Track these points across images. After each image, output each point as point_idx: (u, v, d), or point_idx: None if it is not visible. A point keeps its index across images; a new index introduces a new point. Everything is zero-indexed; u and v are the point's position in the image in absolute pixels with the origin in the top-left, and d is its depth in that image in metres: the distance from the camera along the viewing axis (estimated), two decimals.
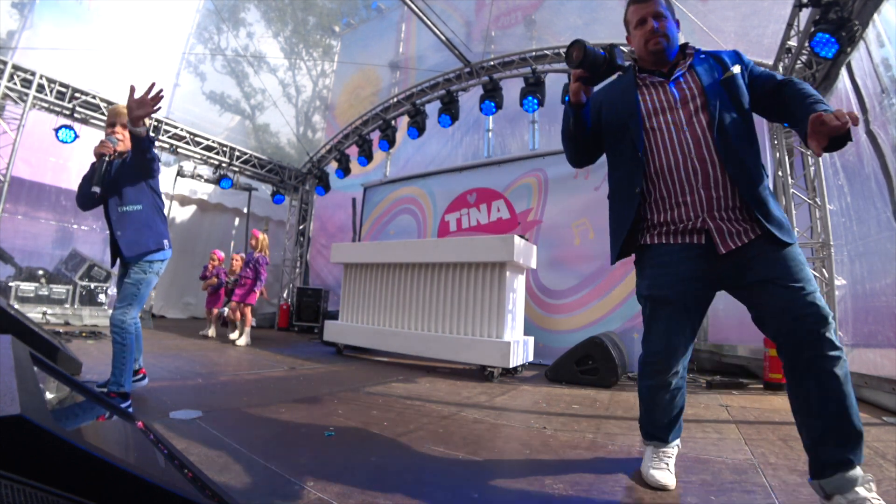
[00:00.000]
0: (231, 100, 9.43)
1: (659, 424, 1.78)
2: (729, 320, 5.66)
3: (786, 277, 1.45)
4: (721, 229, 1.50)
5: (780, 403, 3.64)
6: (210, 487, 0.93)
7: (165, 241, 2.59)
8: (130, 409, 2.27)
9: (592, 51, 1.53)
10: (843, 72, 3.99)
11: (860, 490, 1.34)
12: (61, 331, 5.33)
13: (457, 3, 7.61)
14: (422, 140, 7.71)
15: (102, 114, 6.73)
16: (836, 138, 1.25)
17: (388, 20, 10.27)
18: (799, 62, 4.30)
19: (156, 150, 2.49)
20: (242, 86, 9.44)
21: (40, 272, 6.83)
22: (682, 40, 1.72)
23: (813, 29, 3.71)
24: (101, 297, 7.22)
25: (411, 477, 1.68)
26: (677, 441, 1.84)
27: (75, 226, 7.71)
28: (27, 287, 6.44)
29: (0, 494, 0.47)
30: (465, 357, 4.38)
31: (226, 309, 6.70)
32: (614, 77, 1.74)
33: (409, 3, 5.81)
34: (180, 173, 8.22)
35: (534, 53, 6.38)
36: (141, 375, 2.85)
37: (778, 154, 4.78)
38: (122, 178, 2.48)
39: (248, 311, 6.01)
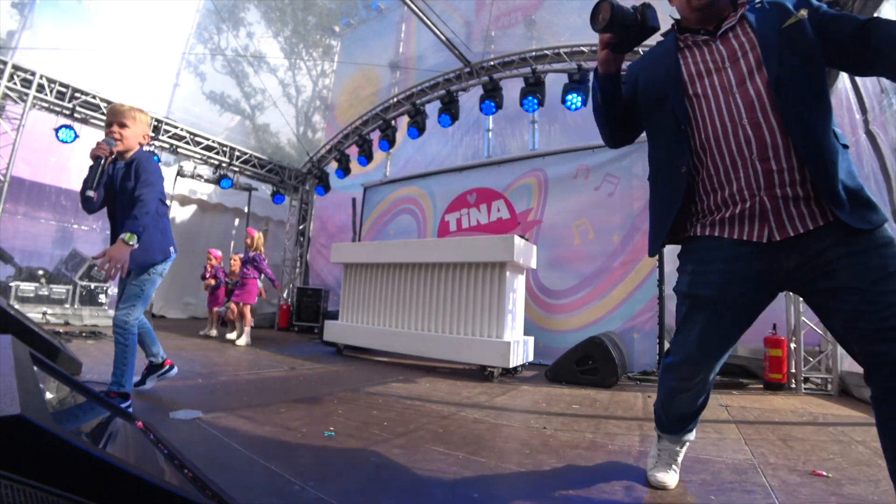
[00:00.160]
0: (231, 100, 9.44)
1: (675, 417, 1.65)
2: None
3: (872, 283, 1.12)
4: (778, 210, 1.23)
5: (779, 403, 3.64)
6: (210, 487, 0.93)
7: (171, 249, 2.57)
8: (130, 410, 2.27)
9: (621, 11, 1.32)
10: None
11: None
12: (61, 331, 5.33)
13: (457, 3, 7.61)
14: (422, 140, 7.71)
15: (102, 114, 6.73)
16: None
17: (388, 20, 10.27)
18: None
19: (152, 196, 2.36)
20: (242, 86, 9.44)
21: (40, 272, 6.83)
22: None
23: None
24: (101, 298, 7.22)
25: (411, 477, 1.68)
26: (690, 437, 1.72)
27: (75, 226, 7.71)
28: (27, 287, 6.44)
29: (0, 494, 0.47)
30: (465, 357, 4.38)
31: (224, 308, 6.70)
32: (653, 44, 1.53)
33: (409, 3, 5.81)
34: (180, 173, 8.22)
35: (534, 53, 6.38)
36: (168, 366, 2.83)
37: None
38: (126, 195, 2.41)
39: (247, 310, 6.01)
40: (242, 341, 5.89)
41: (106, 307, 7.27)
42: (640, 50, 4.26)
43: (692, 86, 1.38)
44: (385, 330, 4.99)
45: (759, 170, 1.26)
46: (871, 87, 3.69)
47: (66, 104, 6.34)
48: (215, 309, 6.74)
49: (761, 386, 4.45)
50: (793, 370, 4.33)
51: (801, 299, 4.38)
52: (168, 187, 8.35)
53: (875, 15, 3.49)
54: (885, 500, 1.63)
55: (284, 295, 9.63)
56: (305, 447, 1.97)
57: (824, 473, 1.88)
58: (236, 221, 10.20)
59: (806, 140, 1.20)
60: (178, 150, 7.82)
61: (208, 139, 8.14)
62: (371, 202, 8.48)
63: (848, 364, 4.16)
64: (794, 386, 4.28)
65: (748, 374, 5.08)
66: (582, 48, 5.98)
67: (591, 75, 1.53)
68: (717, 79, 1.34)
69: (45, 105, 6.24)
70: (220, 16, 8.46)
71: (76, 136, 6.32)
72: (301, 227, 9.85)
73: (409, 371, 4.54)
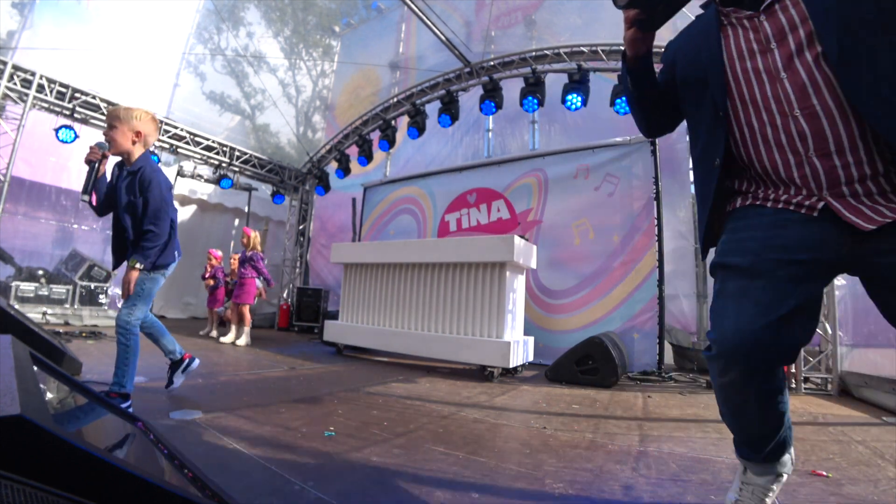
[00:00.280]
0: (231, 100, 9.43)
1: (748, 432, 1.32)
2: None
3: None
4: (858, 210, 1.01)
5: None
6: (210, 487, 0.93)
7: (174, 254, 2.54)
8: (130, 410, 2.27)
9: None
10: None
11: None
12: (61, 331, 5.33)
13: (457, 3, 7.61)
14: (422, 140, 7.72)
15: (102, 114, 6.73)
16: None
17: (388, 20, 10.28)
18: None
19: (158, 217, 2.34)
20: (242, 86, 9.44)
21: (40, 272, 6.83)
22: None
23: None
24: (101, 298, 7.22)
25: (411, 477, 1.68)
26: (781, 469, 1.33)
27: (75, 226, 7.71)
28: (27, 287, 6.44)
29: (0, 494, 0.47)
30: (465, 357, 4.38)
31: (224, 308, 6.70)
32: (692, 19, 1.34)
33: (409, 3, 5.81)
34: (180, 173, 8.22)
35: (534, 53, 6.38)
36: (188, 360, 2.81)
37: None
38: (128, 205, 2.38)
39: (245, 310, 6.00)
40: (242, 341, 5.89)
41: (106, 307, 7.27)
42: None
43: (733, 69, 1.16)
44: (385, 330, 4.99)
45: (818, 168, 1.04)
46: None
47: (66, 104, 6.34)
48: (215, 309, 6.74)
49: None
50: (793, 370, 4.33)
51: None
52: None
53: None
54: (885, 500, 1.63)
55: (284, 295, 9.64)
56: (305, 447, 1.97)
57: (824, 473, 1.88)
58: (236, 221, 10.20)
59: (887, 118, 0.95)
60: (178, 150, 7.82)
61: (208, 139, 8.14)
62: (371, 202, 8.48)
63: (848, 364, 4.17)
64: (794, 386, 4.28)
65: None
66: (582, 48, 5.98)
67: (622, 59, 1.33)
68: (763, 62, 1.11)
69: (45, 105, 6.24)
70: (220, 16, 8.46)
71: (76, 137, 6.32)
72: (301, 227, 9.85)
73: (409, 371, 4.54)
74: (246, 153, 8.75)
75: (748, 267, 1.12)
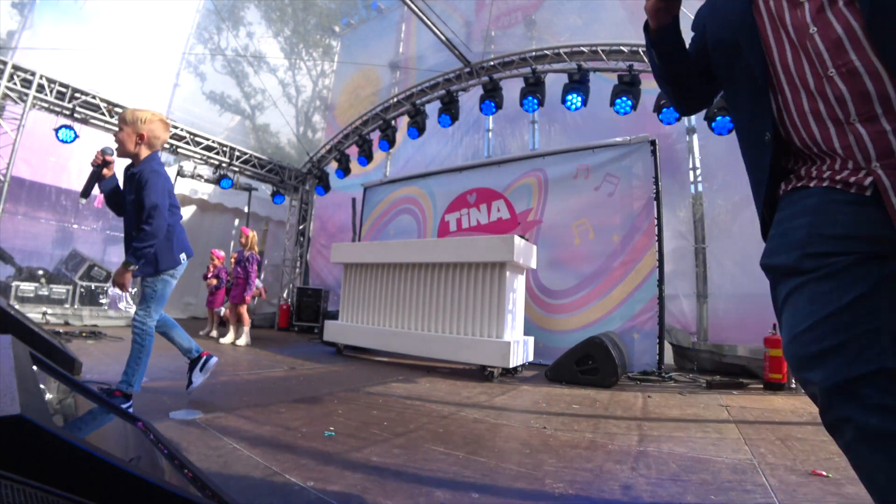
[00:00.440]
0: (231, 100, 9.43)
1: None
2: (729, 320, 5.67)
3: None
4: None
5: (779, 403, 3.64)
6: (210, 487, 0.93)
7: (181, 256, 2.54)
8: (131, 410, 2.27)
9: None
10: None
11: None
12: (61, 331, 5.33)
13: (457, 3, 7.61)
14: (422, 140, 7.72)
15: (102, 114, 6.73)
16: None
17: (388, 20, 10.27)
18: None
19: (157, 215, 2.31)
20: (242, 86, 9.43)
21: (40, 272, 6.83)
22: None
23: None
24: (101, 298, 7.22)
25: (411, 477, 1.68)
26: None
27: (75, 226, 7.71)
28: (27, 287, 6.44)
29: (0, 494, 0.47)
30: (465, 357, 4.38)
31: (222, 309, 6.70)
32: None
33: (409, 3, 5.81)
34: (180, 173, 8.22)
35: (534, 53, 6.38)
36: (205, 357, 2.78)
37: None
38: (129, 205, 2.40)
39: (243, 310, 6.00)
40: (242, 341, 5.89)
41: (106, 307, 7.27)
42: None
43: (763, 29, 1.02)
44: (385, 330, 4.99)
45: (863, 135, 0.88)
46: None
47: (66, 104, 6.34)
48: (215, 309, 6.74)
49: (761, 386, 4.44)
50: None
51: None
52: None
53: None
54: None
55: (284, 295, 9.64)
56: (305, 447, 1.97)
57: (824, 473, 1.88)
58: (236, 221, 10.20)
59: None
60: (178, 150, 7.82)
61: (208, 139, 8.14)
62: (371, 202, 8.48)
63: None
64: (794, 386, 4.28)
65: (748, 374, 5.08)
66: (582, 48, 5.98)
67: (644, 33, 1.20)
68: (792, 18, 0.97)
69: (45, 105, 6.24)
70: (220, 16, 8.46)
71: (76, 136, 6.32)
72: (301, 227, 9.85)
73: (409, 371, 4.54)
74: (246, 153, 8.75)
75: (793, 266, 0.93)
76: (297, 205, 9.80)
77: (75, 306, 6.86)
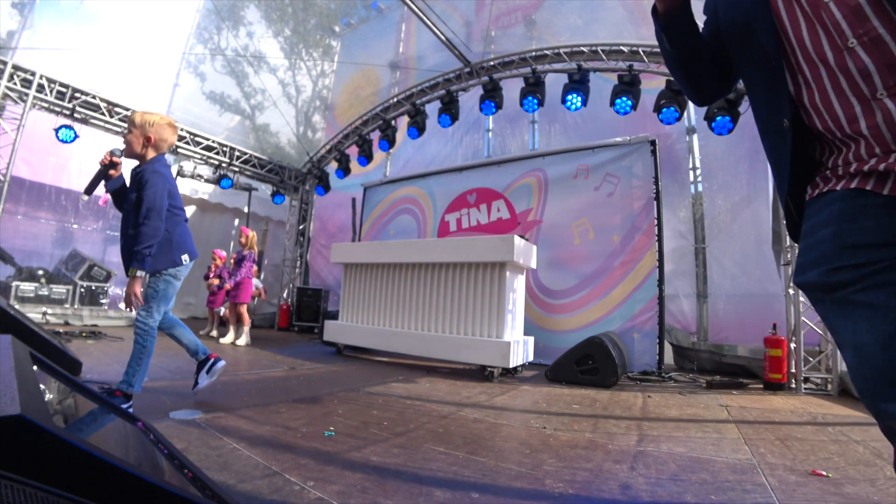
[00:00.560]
0: (231, 100, 9.43)
1: None
2: (729, 320, 5.67)
3: None
4: None
5: (779, 403, 3.64)
6: (210, 487, 0.93)
7: (183, 257, 2.52)
8: (131, 410, 2.28)
9: None
10: None
11: None
12: (61, 331, 5.33)
13: (457, 3, 7.61)
14: (422, 140, 7.72)
15: (102, 114, 6.73)
16: None
17: (388, 20, 10.27)
18: None
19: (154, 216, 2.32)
20: (242, 86, 9.43)
21: (40, 272, 6.83)
22: None
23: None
24: (102, 298, 7.22)
25: (411, 477, 1.68)
26: None
27: (75, 226, 7.71)
28: (27, 287, 6.44)
29: (0, 494, 0.48)
30: (465, 357, 4.38)
31: (222, 309, 6.70)
32: None
33: (409, 3, 5.81)
34: (180, 173, 8.22)
35: (534, 53, 6.38)
36: (213, 360, 2.76)
37: None
38: (129, 204, 2.42)
39: (243, 310, 6.00)
40: (242, 341, 5.89)
41: (106, 307, 7.27)
42: None
43: (776, 5, 0.94)
44: (385, 330, 4.99)
45: (892, 111, 0.80)
46: None
47: (66, 104, 6.34)
48: (214, 309, 6.74)
49: (761, 386, 4.45)
50: (793, 370, 4.33)
51: (801, 298, 4.39)
52: None
53: None
54: (884, 499, 1.63)
55: (284, 295, 9.64)
56: (305, 447, 1.97)
57: (824, 473, 1.88)
58: (236, 221, 10.20)
59: None
60: (178, 150, 7.82)
61: (208, 139, 8.14)
62: (371, 202, 8.48)
63: None
64: (794, 386, 4.28)
65: (748, 374, 5.09)
66: (582, 48, 5.98)
67: (651, 14, 1.12)
68: None
69: (45, 105, 6.24)
70: (220, 15, 8.46)
71: (76, 136, 6.32)
72: (301, 227, 9.85)
73: (409, 371, 4.54)
74: (246, 153, 8.75)
75: (823, 282, 0.85)
76: (297, 205, 9.80)
77: (75, 306, 6.86)
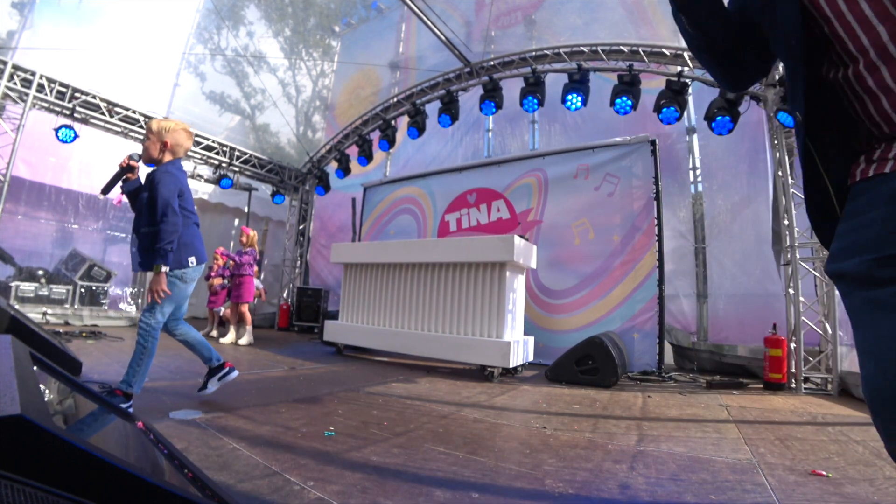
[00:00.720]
0: (231, 100, 9.42)
1: None
2: (729, 320, 5.67)
3: None
4: None
5: (779, 403, 3.64)
6: (210, 487, 0.93)
7: (190, 259, 2.53)
8: (130, 410, 2.28)
9: None
10: None
11: None
12: (61, 331, 5.33)
13: (457, 3, 7.60)
14: (422, 140, 7.72)
15: (102, 114, 6.73)
16: None
17: (388, 20, 10.27)
18: None
19: (172, 219, 2.39)
20: (242, 86, 9.42)
21: (40, 272, 6.83)
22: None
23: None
24: (102, 298, 7.22)
25: (411, 477, 1.68)
26: None
27: (75, 226, 7.71)
28: (27, 287, 6.44)
29: (0, 494, 0.48)
30: (465, 357, 4.38)
31: (222, 309, 6.70)
32: None
33: (409, 3, 5.81)
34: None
35: (534, 53, 6.38)
36: (228, 368, 2.76)
37: (778, 154, 4.78)
38: (140, 200, 2.50)
39: (245, 309, 6.01)
40: (245, 340, 5.90)
41: (106, 307, 7.27)
42: None
43: None
44: (385, 330, 4.99)
45: None
46: None
47: (66, 104, 6.34)
48: (214, 309, 6.74)
49: (761, 386, 4.45)
50: (793, 370, 4.33)
51: (801, 298, 4.39)
52: None
53: None
54: (884, 499, 1.63)
55: (284, 295, 9.64)
56: (305, 447, 1.97)
57: (824, 473, 1.88)
58: (236, 221, 10.20)
59: None
60: None
61: (208, 139, 8.14)
62: (371, 202, 8.48)
63: (848, 364, 4.17)
64: (794, 386, 4.28)
65: (748, 374, 5.09)
66: (582, 48, 5.98)
67: None
68: None
69: (45, 105, 6.24)
70: (220, 15, 8.46)
71: (76, 136, 6.32)
72: (301, 227, 9.85)
73: (409, 371, 4.54)
74: (246, 153, 8.76)
75: (865, 274, 0.72)
76: (297, 205, 9.80)
77: (75, 306, 6.86)
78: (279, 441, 2.03)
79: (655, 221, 5.29)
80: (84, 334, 5.35)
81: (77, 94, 6.47)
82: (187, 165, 8.18)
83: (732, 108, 4.86)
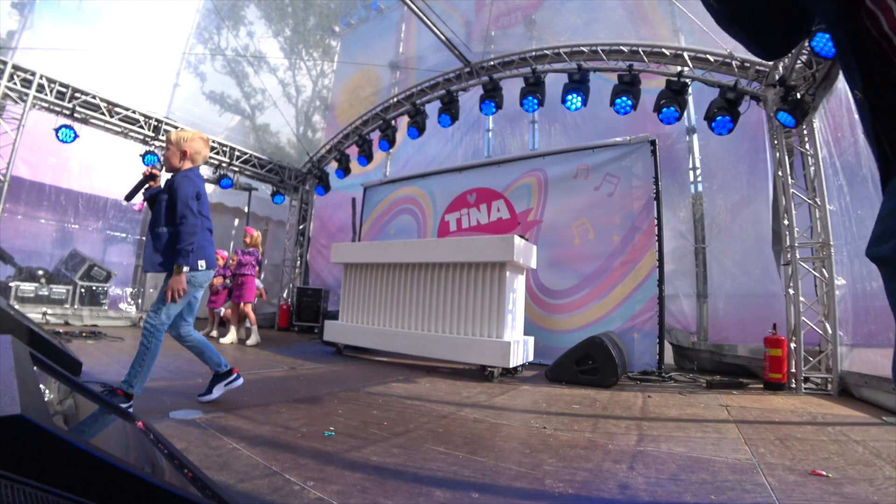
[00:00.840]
0: (231, 100, 9.42)
1: None
2: (729, 320, 5.67)
3: None
4: None
5: (779, 403, 3.64)
6: (210, 487, 0.93)
7: (201, 263, 2.56)
8: (131, 410, 2.28)
9: None
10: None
11: None
12: (61, 331, 5.33)
13: (457, 3, 7.60)
14: (422, 140, 7.71)
15: (102, 114, 6.73)
16: None
17: (388, 20, 10.27)
18: (799, 62, 4.30)
19: (192, 218, 2.49)
20: (242, 86, 9.42)
21: (40, 272, 6.83)
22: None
23: (813, 28, 3.71)
24: (101, 298, 7.22)
25: (411, 477, 1.68)
26: None
27: (75, 226, 7.70)
28: (27, 287, 6.44)
29: (0, 494, 0.48)
30: (465, 357, 4.38)
31: (222, 309, 6.70)
32: None
33: (409, 3, 5.81)
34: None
35: (534, 53, 6.38)
36: (235, 375, 2.78)
37: (778, 154, 4.78)
38: (159, 203, 2.60)
39: (248, 309, 6.02)
40: (252, 341, 5.91)
41: (106, 307, 7.27)
42: None
43: None
44: (385, 330, 4.99)
45: None
46: None
47: (66, 104, 6.34)
48: (214, 309, 6.74)
49: (761, 386, 4.45)
50: (793, 370, 4.33)
51: (801, 298, 4.39)
52: None
53: None
54: (884, 499, 1.63)
55: (284, 295, 9.64)
56: (305, 447, 1.97)
57: (824, 473, 1.88)
58: (236, 221, 10.20)
59: None
60: None
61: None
62: (371, 202, 8.48)
63: (848, 364, 4.17)
64: (794, 386, 4.28)
65: (748, 374, 5.09)
66: (582, 48, 5.98)
67: None
68: None
69: (45, 105, 6.24)
70: (220, 15, 8.45)
71: (76, 136, 6.32)
72: (301, 227, 9.85)
73: (409, 371, 4.54)
74: (246, 153, 8.76)
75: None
76: (297, 205, 9.80)
77: (75, 306, 6.86)
78: (279, 441, 2.04)
79: (655, 221, 5.29)
80: (84, 334, 5.35)
81: (77, 94, 6.46)
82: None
83: (732, 108, 4.85)
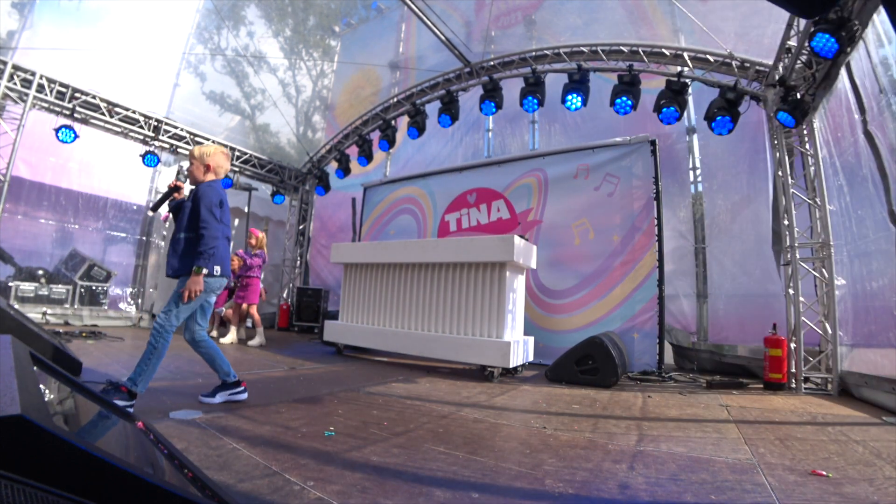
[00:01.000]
0: (231, 100, 9.41)
1: None
2: (729, 320, 5.67)
3: None
4: None
5: (779, 403, 3.64)
6: (210, 487, 0.93)
7: (216, 268, 2.62)
8: (131, 410, 2.28)
9: None
10: (843, 72, 3.99)
11: None
12: (61, 331, 5.33)
13: (457, 3, 7.60)
14: (422, 140, 7.72)
15: (102, 114, 6.73)
16: None
17: (388, 20, 10.26)
18: (799, 62, 4.30)
19: (212, 222, 2.62)
20: (242, 86, 9.41)
21: (40, 272, 6.83)
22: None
23: (813, 29, 3.71)
24: (102, 298, 7.22)
25: (411, 477, 1.68)
26: None
27: (75, 226, 7.70)
28: (27, 287, 6.44)
29: (0, 494, 0.48)
30: (465, 357, 4.38)
31: (223, 309, 6.70)
32: None
33: (409, 3, 5.81)
34: (180, 173, 8.22)
35: (534, 53, 6.38)
36: (242, 388, 2.80)
37: (778, 154, 4.78)
38: (183, 210, 2.72)
39: (253, 310, 6.03)
40: (256, 342, 5.91)
41: (105, 307, 7.27)
42: None
43: None
44: (385, 330, 4.99)
45: None
46: (869, 87, 3.69)
47: (66, 104, 6.34)
48: (215, 309, 6.74)
49: (761, 386, 4.45)
50: (793, 370, 4.33)
51: (801, 298, 4.39)
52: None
53: (874, 15, 3.49)
54: (884, 499, 1.63)
55: (284, 295, 9.64)
56: (305, 447, 1.97)
57: (824, 473, 1.88)
58: (236, 221, 10.19)
59: None
60: (178, 150, 7.81)
61: (208, 139, 8.14)
62: (371, 202, 8.48)
63: (848, 364, 4.17)
64: (794, 386, 4.28)
65: (748, 374, 5.09)
66: (582, 48, 5.98)
67: None
68: None
69: (45, 105, 6.24)
70: (220, 15, 8.45)
71: (76, 136, 6.32)
72: (301, 227, 9.85)
73: (409, 371, 4.54)
74: (246, 153, 8.76)
75: None
76: (297, 205, 9.80)
77: (75, 306, 6.86)
78: (279, 441, 2.04)
79: (655, 221, 5.29)
80: (84, 334, 5.35)
81: (77, 95, 6.47)
82: (187, 166, 8.18)
83: (732, 108, 4.86)
